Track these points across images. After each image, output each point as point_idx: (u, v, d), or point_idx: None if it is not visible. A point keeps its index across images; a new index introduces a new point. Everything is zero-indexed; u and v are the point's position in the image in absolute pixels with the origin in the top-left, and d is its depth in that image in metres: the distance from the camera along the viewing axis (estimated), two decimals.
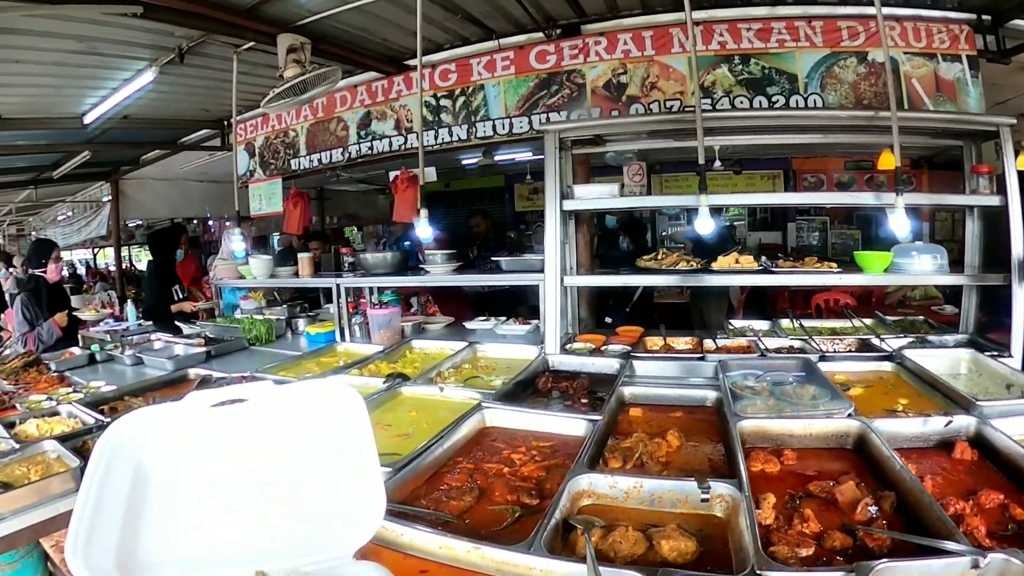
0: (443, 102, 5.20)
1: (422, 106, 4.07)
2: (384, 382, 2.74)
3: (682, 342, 3.34)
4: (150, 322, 5.34)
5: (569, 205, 3.28)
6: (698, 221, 3.05)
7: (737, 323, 3.71)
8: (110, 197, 9.89)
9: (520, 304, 6.14)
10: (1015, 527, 1.48)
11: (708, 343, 3.22)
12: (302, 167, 6.38)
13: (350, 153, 5.85)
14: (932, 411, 2.15)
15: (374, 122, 5.66)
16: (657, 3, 4.54)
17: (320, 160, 6.13)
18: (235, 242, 4.90)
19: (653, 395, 2.54)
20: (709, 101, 4.38)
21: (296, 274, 4.79)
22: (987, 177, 3.33)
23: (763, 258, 3.37)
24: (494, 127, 4.92)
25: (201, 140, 7.98)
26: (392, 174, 5.53)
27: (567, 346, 3.29)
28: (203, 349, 3.96)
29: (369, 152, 5.71)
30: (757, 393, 2.44)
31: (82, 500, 1.14)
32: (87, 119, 6.12)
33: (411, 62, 5.39)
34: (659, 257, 3.56)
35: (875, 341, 3.15)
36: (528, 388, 2.73)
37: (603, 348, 3.28)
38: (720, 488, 1.56)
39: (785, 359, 2.83)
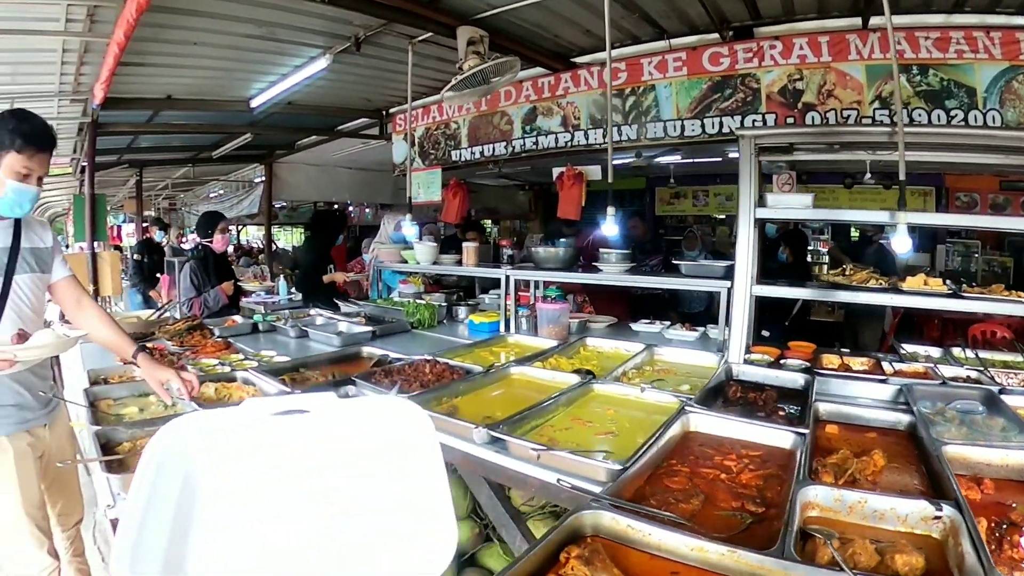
0: (614, 101, 5.29)
1: (609, 101, 4.02)
2: (578, 377, 2.81)
3: (858, 362, 3.30)
4: (300, 295, 5.84)
5: (762, 213, 3.32)
6: (896, 239, 3.03)
7: (909, 347, 3.65)
8: (263, 178, 10.70)
9: (671, 308, 6.21)
10: None
11: (886, 366, 3.20)
12: (463, 159, 6.83)
13: (514, 148, 6.19)
14: None
15: (540, 118, 5.96)
16: (833, 7, 4.54)
17: (482, 153, 6.53)
18: (406, 227, 5.18)
19: (847, 414, 2.58)
20: (886, 112, 4.37)
21: (459, 262, 5.10)
22: None
23: (948, 281, 3.29)
24: (665, 129, 5.07)
25: (359, 128, 8.44)
26: (556, 171, 5.73)
27: (746, 356, 3.31)
28: (368, 328, 4.22)
29: (534, 147, 6.03)
30: (948, 420, 2.51)
31: (130, 507, 1.13)
32: (253, 103, 6.66)
33: (579, 59, 5.62)
34: (847, 272, 3.57)
35: None
36: (718, 396, 2.79)
37: (781, 361, 3.29)
38: (946, 509, 1.61)
39: (968, 389, 2.82)
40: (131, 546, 1.06)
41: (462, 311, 5.02)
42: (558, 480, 1.83)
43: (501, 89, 5.88)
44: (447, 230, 7.80)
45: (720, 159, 8.87)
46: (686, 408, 2.39)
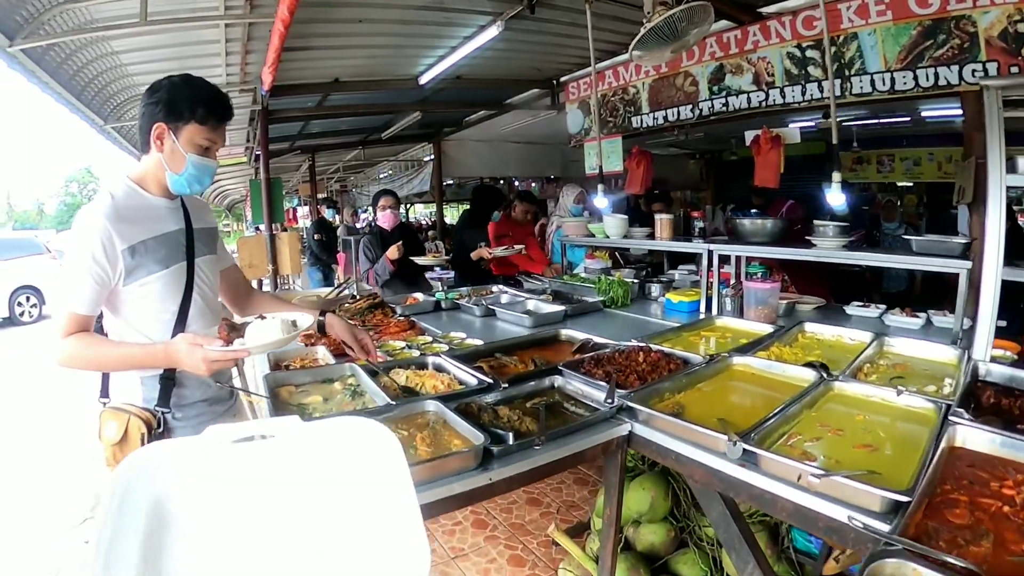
0: (809, 53, 5.15)
1: (828, 48, 4.11)
2: (812, 372, 2.67)
3: None
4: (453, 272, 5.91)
5: (1015, 180, 3.02)
6: None
7: None
8: (432, 157, 11.45)
9: (872, 288, 6.25)
10: None
11: None
12: (644, 125, 6.71)
13: (701, 110, 6.06)
14: None
15: (728, 76, 5.79)
16: None
17: (666, 118, 6.45)
18: (599, 199, 5.31)
19: None
20: None
21: (651, 236, 5.14)
22: None
23: None
24: (872, 82, 4.83)
25: (529, 100, 8.67)
26: (750, 134, 5.57)
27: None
28: (559, 307, 4.27)
29: (723, 109, 5.88)
30: None
31: (96, 538, 1.18)
32: (423, 79, 6.97)
33: (767, 9, 5.36)
34: None
35: None
36: (969, 401, 2.42)
37: None
38: None
39: None
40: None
41: (655, 288, 5.02)
42: (849, 518, 1.67)
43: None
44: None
45: (908, 119, 8.78)
46: (951, 418, 2.10)
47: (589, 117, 7.36)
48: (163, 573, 1.23)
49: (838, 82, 5.00)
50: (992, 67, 4.40)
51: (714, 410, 2.40)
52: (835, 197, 3.80)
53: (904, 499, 1.62)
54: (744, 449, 1.97)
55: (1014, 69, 4.32)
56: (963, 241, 3.54)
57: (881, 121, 9.02)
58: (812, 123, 7.59)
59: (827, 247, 4.06)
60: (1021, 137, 4.72)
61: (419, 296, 4.87)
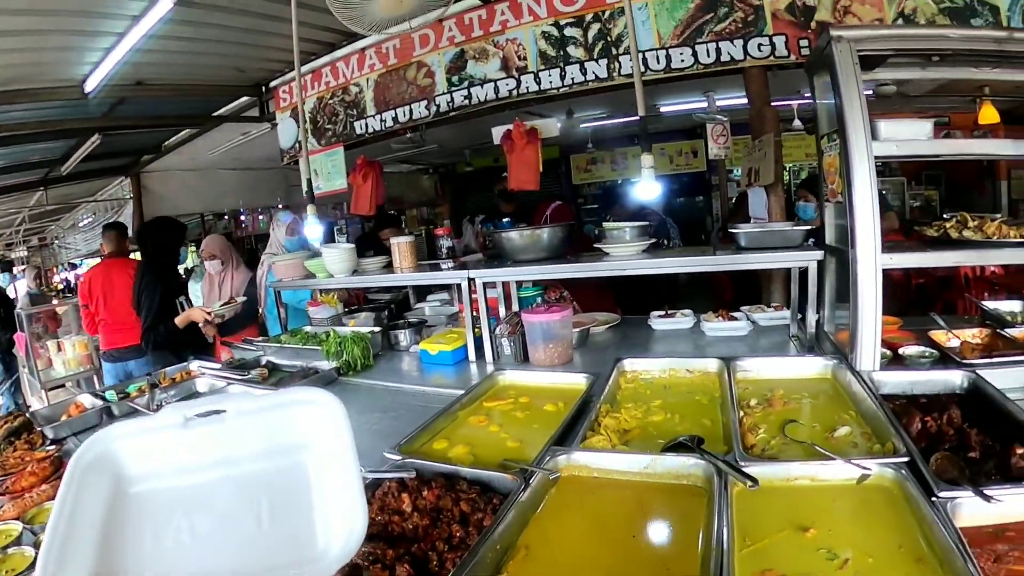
0: (569, 32, 4.41)
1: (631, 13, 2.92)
2: (697, 462, 1.65)
3: (968, 334, 2.76)
4: (148, 348, 4.48)
5: (880, 149, 2.55)
6: None
7: (989, 305, 3.20)
8: (132, 195, 9.17)
9: (659, 293, 5.34)
10: None
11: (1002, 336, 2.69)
12: (371, 130, 5.51)
13: (439, 106, 4.98)
14: None
15: (471, 63, 4.82)
16: None
17: (395, 118, 5.26)
18: (309, 226, 4.00)
19: None
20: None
21: (389, 267, 3.95)
22: None
23: None
24: (644, 61, 4.19)
25: (238, 111, 6.99)
26: (498, 131, 4.63)
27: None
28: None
29: (465, 102, 4.87)
30: None
31: (54, 520, 1.19)
32: (88, 85, 5.23)
33: None
34: (971, 224, 2.85)
35: None
36: (922, 447, 1.69)
37: (901, 351, 2.62)
38: None
39: None
40: (57, 556, 1.16)
41: (404, 336, 3.78)
42: None
43: (415, 33, 4.73)
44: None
45: (639, 117, 8.92)
46: (939, 495, 1.40)
47: (304, 126, 5.86)
48: (122, 549, 1.26)
49: (604, 62, 4.35)
50: (779, 41, 4.04)
51: None
52: (648, 188, 3.11)
53: None
54: None
55: (804, 43, 3.99)
56: (803, 228, 2.97)
57: (615, 121, 8.96)
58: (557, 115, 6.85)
59: (624, 254, 3.23)
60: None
61: (84, 399, 3.26)
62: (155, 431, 1.39)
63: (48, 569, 1.12)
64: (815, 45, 3.67)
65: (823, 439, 1.80)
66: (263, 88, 6.45)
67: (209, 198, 9.89)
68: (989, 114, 6.17)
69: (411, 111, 5.21)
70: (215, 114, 7.05)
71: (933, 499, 1.39)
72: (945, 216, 2.92)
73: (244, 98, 6.69)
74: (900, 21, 4.01)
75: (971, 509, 1.39)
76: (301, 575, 1.25)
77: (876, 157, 2.49)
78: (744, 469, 1.56)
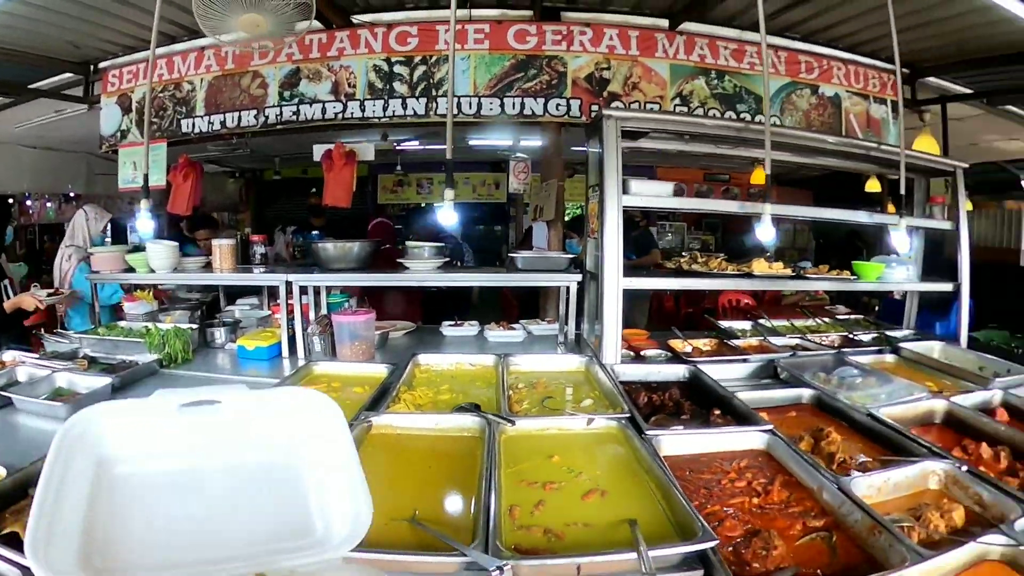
0: (398, 69, 5.02)
1: (453, 57, 3.95)
2: (475, 419, 2.34)
3: (701, 343, 3.81)
4: None
5: (628, 201, 3.42)
6: (760, 228, 3.44)
7: (724, 324, 4.34)
8: None
9: (465, 304, 6.17)
10: None
11: (728, 343, 3.81)
12: (198, 130, 5.70)
13: (267, 117, 5.31)
14: (951, 391, 2.98)
15: (304, 82, 5.23)
16: (647, 5, 5.08)
17: (224, 123, 5.52)
18: (142, 220, 3.88)
19: (760, 398, 2.87)
20: (686, 109, 5.10)
21: (208, 266, 4.26)
22: (941, 206, 4.52)
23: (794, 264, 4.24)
24: (459, 105, 4.89)
25: (59, 88, 6.54)
26: (320, 148, 5.18)
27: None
28: (104, 379, 3.04)
29: (293, 118, 5.26)
30: (837, 387, 3.06)
31: (41, 495, 1.22)
32: None
33: (361, 17, 5.10)
34: (700, 260, 4.11)
35: (852, 337, 4.23)
36: (642, 409, 2.67)
37: (642, 353, 3.56)
38: (940, 464, 2.01)
39: (818, 355, 3.55)
40: (45, 531, 1.17)
41: (220, 333, 4.11)
42: None
43: (255, 43, 4.85)
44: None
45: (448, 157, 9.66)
46: (646, 432, 2.18)
47: (130, 116, 5.89)
48: (107, 528, 1.28)
49: (423, 101, 5.12)
50: (575, 104, 5.00)
51: (388, 506, 1.66)
52: (447, 216, 3.62)
53: (707, 544, 1.49)
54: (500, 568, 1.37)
55: (595, 107, 4.95)
56: (568, 256, 4.01)
57: (428, 147, 9.43)
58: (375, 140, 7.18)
59: (423, 269, 3.97)
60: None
61: None
62: (144, 414, 1.44)
63: (38, 544, 1.14)
64: (598, 115, 4.70)
65: (572, 408, 2.64)
66: (91, 67, 6.31)
67: (2, 178, 8.75)
68: (759, 176, 7.69)
69: (240, 118, 5.51)
70: (32, 86, 6.55)
71: (643, 436, 2.15)
72: (683, 254, 4.12)
73: (68, 74, 6.42)
74: (678, 100, 5.14)
75: (669, 444, 2.18)
76: (300, 557, 1.32)
77: (625, 207, 3.41)
78: (513, 429, 2.29)
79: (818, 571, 1.53)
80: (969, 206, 11.40)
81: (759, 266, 3.90)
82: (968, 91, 6.52)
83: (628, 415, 2.35)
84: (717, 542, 1.48)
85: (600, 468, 2.04)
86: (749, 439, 2.31)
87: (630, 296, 6.28)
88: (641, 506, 1.77)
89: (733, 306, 6.52)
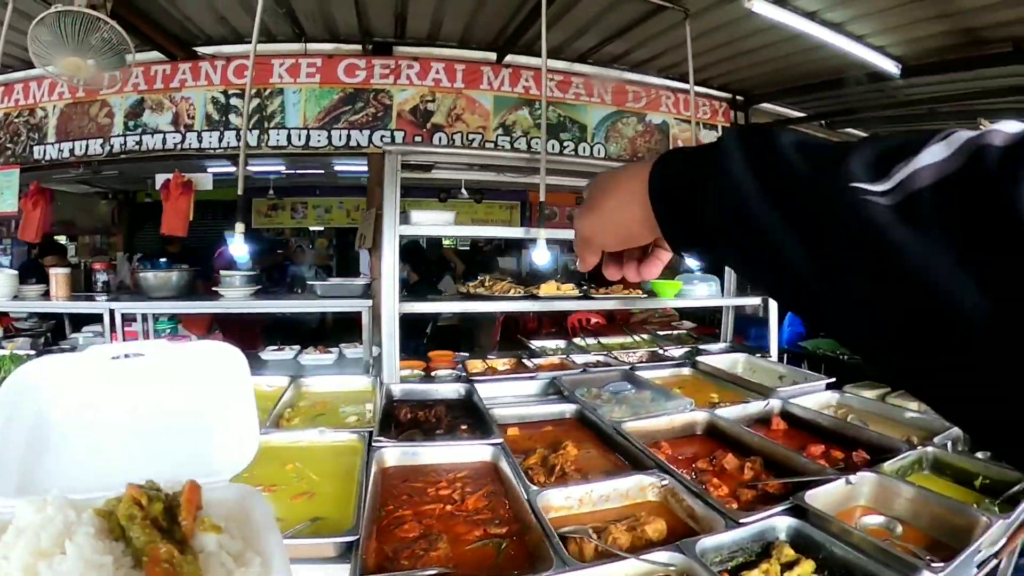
0: (234, 101, 5.37)
1: (247, 99, 4.33)
2: None
3: (501, 363, 4.08)
4: None
5: (405, 230, 3.66)
6: (536, 252, 3.85)
7: (537, 343, 4.73)
8: None
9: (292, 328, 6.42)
10: (842, 462, 2.55)
11: (527, 363, 4.01)
12: (48, 157, 5.98)
13: (112, 146, 5.63)
14: (741, 399, 3.30)
15: (147, 112, 5.56)
16: (474, 39, 5.50)
17: (73, 151, 5.89)
18: None
19: (520, 414, 3.14)
20: (508, 139, 5.55)
21: (47, 295, 4.46)
22: None
23: (582, 284, 4.40)
24: (289, 137, 5.32)
25: None
26: (161, 178, 5.30)
27: (400, 375, 3.64)
28: None
29: (136, 147, 5.58)
30: (606, 402, 3.26)
31: None
32: None
33: (202, 49, 5.46)
34: (487, 284, 4.25)
35: (660, 352, 4.57)
36: (390, 422, 2.95)
37: (432, 374, 3.80)
38: (652, 478, 2.22)
39: (607, 372, 3.79)
40: None
41: None
42: None
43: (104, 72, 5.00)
44: None
45: (323, 171, 9.85)
46: (373, 444, 2.45)
47: None
48: (43, 464, 1.45)
49: (256, 132, 5.38)
50: (399, 135, 5.41)
51: None
52: (238, 247, 3.87)
53: (350, 539, 1.76)
54: None
55: (418, 138, 5.36)
56: (363, 282, 4.17)
57: (298, 172, 9.78)
58: (231, 169, 7.24)
59: (235, 296, 4.18)
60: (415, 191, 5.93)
61: None
62: (80, 365, 1.60)
63: None
64: (426, 141, 5.17)
65: (338, 421, 2.97)
66: None
67: None
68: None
69: (88, 146, 5.80)
70: None
71: (370, 447, 2.41)
72: (477, 279, 4.42)
73: None
74: (500, 130, 5.58)
75: (391, 455, 2.44)
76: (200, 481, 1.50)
77: (404, 236, 3.65)
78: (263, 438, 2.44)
79: (473, 572, 1.74)
80: None
81: (547, 288, 4.14)
82: (802, 115, 7.10)
83: (370, 430, 2.61)
84: (358, 537, 1.77)
85: (324, 475, 2.33)
86: (479, 452, 2.55)
87: (479, 319, 6.88)
88: (336, 507, 2.06)
89: (583, 325, 7.05)
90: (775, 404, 3.29)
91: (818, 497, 2.14)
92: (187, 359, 1.76)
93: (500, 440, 2.54)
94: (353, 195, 11.71)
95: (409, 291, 6.05)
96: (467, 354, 4.38)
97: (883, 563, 1.74)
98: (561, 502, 2.10)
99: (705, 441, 2.94)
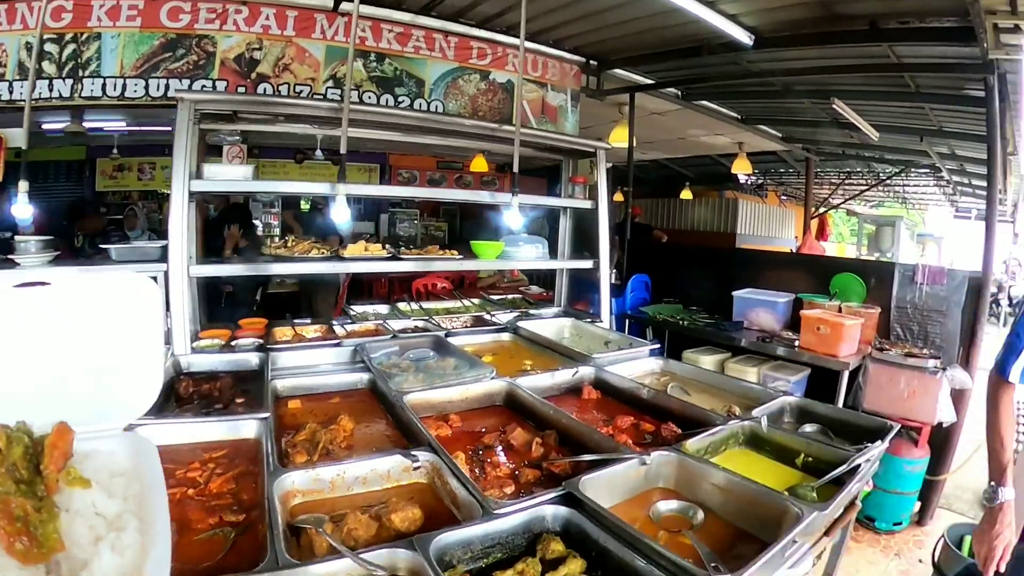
0: (48, 47, 5.09)
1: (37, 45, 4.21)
2: None
3: (311, 330, 4.03)
4: None
5: (198, 186, 3.51)
6: (335, 209, 3.72)
7: (358, 308, 4.75)
8: None
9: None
10: (650, 436, 2.58)
11: (338, 329, 4.00)
12: None
13: None
14: (556, 367, 3.35)
15: None
16: None
17: None
18: None
19: (307, 385, 3.12)
20: (338, 92, 5.49)
21: None
22: (582, 186, 4.96)
23: (388, 246, 4.32)
24: (104, 87, 5.09)
25: None
26: None
27: (194, 344, 3.57)
28: None
29: None
30: (404, 370, 3.25)
31: None
32: None
33: None
34: (289, 244, 4.24)
35: (487, 317, 4.69)
36: (169, 397, 2.87)
37: (233, 343, 3.66)
38: (420, 456, 2.13)
39: (418, 338, 3.85)
40: None
41: None
42: None
43: None
44: None
45: (170, 128, 9.82)
46: (131, 424, 2.24)
47: None
48: None
49: (69, 82, 5.13)
50: (222, 85, 5.26)
51: None
52: (20, 209, 3.65)
53: None
54: None
55: (242, 89, 5.26)
56: (159, 245, 3.93)
57: (140, 128, 9.23)
58: (62, 125, 7.41)
59: (29, 263, 3.95)
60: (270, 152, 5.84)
61: None
62: None
63: None
64: (250, 92, 5.08)
65: None
66: None
67: None
68: (480, 164, 8.50)
69: None
70: None
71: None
72: (280, 240, 4.45)
73: None
74: (331, 83, 5.56)
75: (148, 432, 1.91)
76: (93, 429, 1.53)
77: (196, 192, 3.55)
78: None
79: (190, 567, 1.63)
80: (688, 195, 13.38)
81: (353, 249, 4.15)
82: (650, 81, 7.38)
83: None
84: None
85: None
86: (245, 428, 2.45)
87: (319, 283, 6.96)
88: None
89: (429, 290, 7.19)
90: (587, 372, 3.34)
91: (607, 481, 2.04)
92: (95, 291, 1.77)
93: (267, 415, 2.46)
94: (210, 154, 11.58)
95: (240, 255, 6.06)
96: (308, 320, 4.40)
97: (662, 567, 1.61)
98: (310, 485, 2.01)
99: (503, 413, 2.91)
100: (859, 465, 2.26)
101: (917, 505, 5.37)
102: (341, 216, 3.75)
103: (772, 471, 2.36)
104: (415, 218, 13.25)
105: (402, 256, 4.31)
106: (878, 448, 2.41)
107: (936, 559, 3.97)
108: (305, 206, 11.89)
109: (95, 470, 1.40)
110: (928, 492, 5.42)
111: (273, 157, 11.00)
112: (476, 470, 2.22)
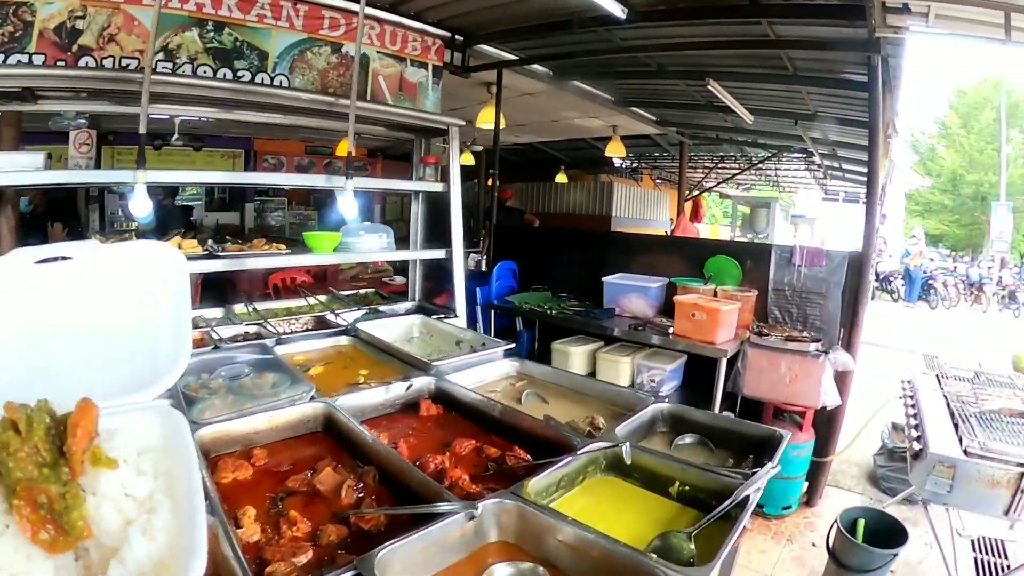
0: None
1: None
2: None
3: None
4: None
5: None
6: (133, 201, 3.47)
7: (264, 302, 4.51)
8: None
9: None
10: (494, 464, 2.21)
11: None
12: None
13: None
14: (392, 377, 2.97)
15: None
16: None
17: None
18: None
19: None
20: (171, 65, 5.08)
21: None
22: (433, 167, 4.96)
23: (210, 241, 4.16)
24: None
25: None
26: None
27: None
28: None
29: None
30: (214, 392, 2.76)
31: None
32: None
33: None
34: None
35: (331, 317, 4.32)
36: None
37: None
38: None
39: (241, 348, 3.42)
40: None
41: None
42: None
43: None
44: None
45: None
46: None
47: None
48: None
49: None
50: (38, 59, 4.73)
51: None
52: None
53: None
54: None
55: (61, 63, 4.75)
56: None
57: None
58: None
59: None
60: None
61: None
62: (2, 270, 1.65)
63: None
64: (70, 66, 4.66)
65: None
66: None
67: None
68: (344, 148, 8.30)
69: None
70: None
71: None
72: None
73: None
74: (162, 55, 5.10)
75: None
76: (123, 403, 1.55)
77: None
78: None
79: None
80: (563, 178, 13.77)
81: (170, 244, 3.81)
82: (517, 57, 7.30)
83: None
84: None
85: None
86: None
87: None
88: None
89: (286, 285, 6.89)
90: (425, 383, 2.99)
91: (421, 547, 1.67)
92: (119, 262, 1.80)
93: None
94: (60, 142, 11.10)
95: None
96: None
97: None
98: None
99: (322, 442, 2.47)
100: (748, 496, 1.92)
101: (805, 486, 5.39)
102: (140, 209, 3.50)
103: (642, 504, 2.08)
104: (282, 207, 13.02)
105: (220, 254, 4.11)
106: (768, 471, 2.08)
107: (831, 546, 3.98)
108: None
109: (122, 447, 1.37)
110: (815, 473, 5.50)
111: (131, 143, 10.16)
112: (268, 529, 1.80)
